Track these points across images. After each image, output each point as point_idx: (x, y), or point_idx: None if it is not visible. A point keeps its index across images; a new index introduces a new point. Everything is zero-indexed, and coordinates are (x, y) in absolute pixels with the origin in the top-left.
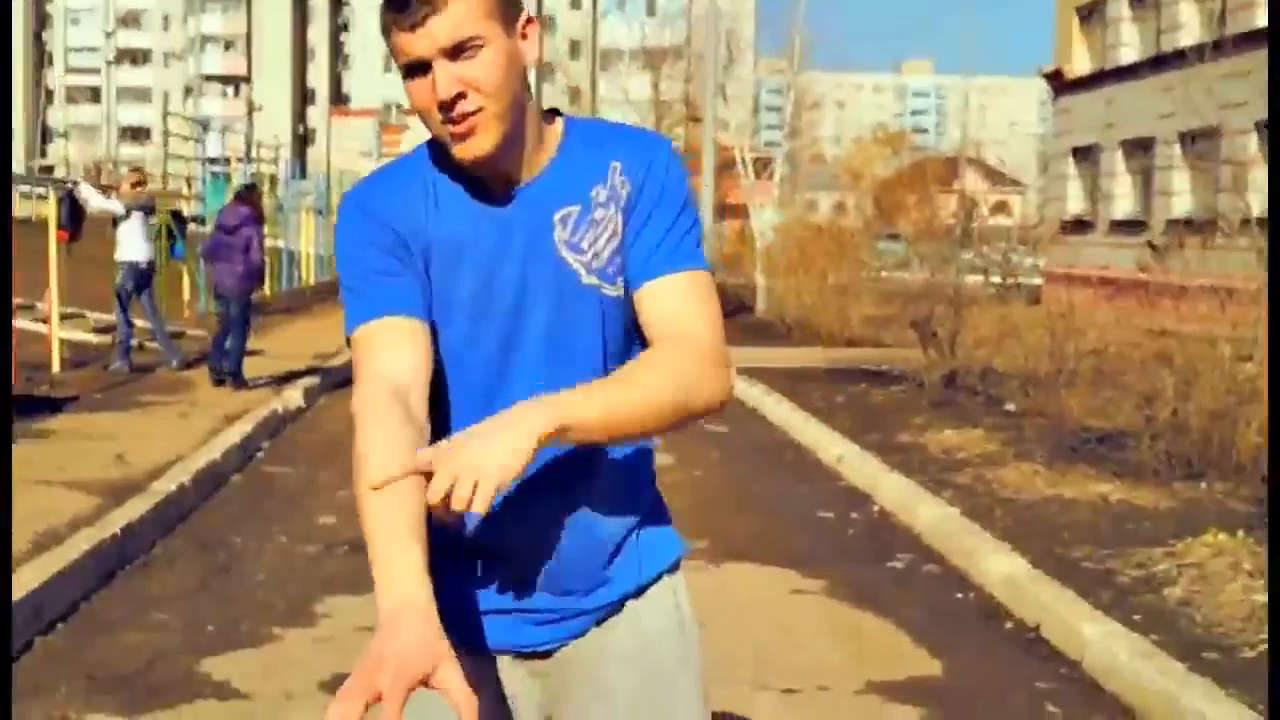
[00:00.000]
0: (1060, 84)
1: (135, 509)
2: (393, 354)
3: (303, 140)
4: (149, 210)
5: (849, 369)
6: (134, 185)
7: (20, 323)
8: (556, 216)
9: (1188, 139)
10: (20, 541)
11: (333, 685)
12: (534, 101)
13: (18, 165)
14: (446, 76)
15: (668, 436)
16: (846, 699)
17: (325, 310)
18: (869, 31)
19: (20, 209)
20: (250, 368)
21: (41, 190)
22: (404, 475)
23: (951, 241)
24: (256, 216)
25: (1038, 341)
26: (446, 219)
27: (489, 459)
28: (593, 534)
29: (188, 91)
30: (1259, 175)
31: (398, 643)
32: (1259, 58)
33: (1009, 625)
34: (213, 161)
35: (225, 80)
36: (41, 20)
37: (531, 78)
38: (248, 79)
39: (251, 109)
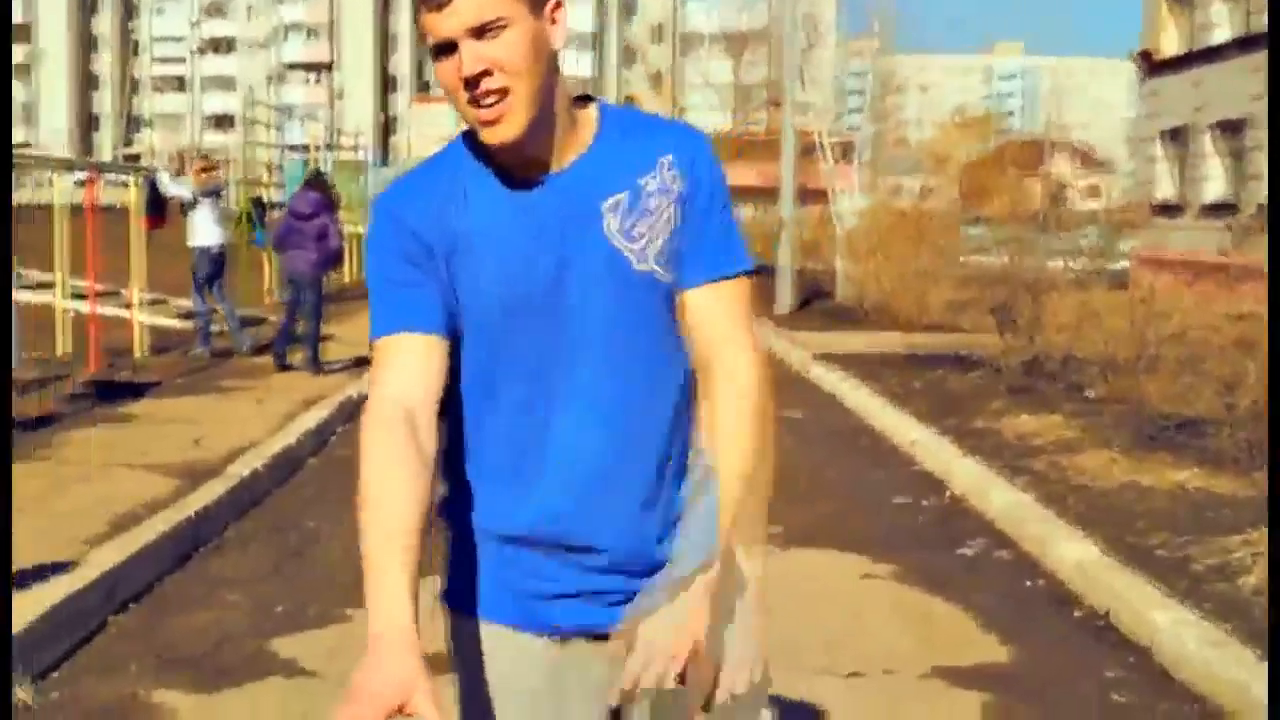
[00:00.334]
0: (1149, 65)
1: (211, 492)
2: (404, 373)
3: (385, 127)
4: (217, 195)
5: (927, 354)
6: (202, 171)
7: (104, 309)
8: (605, 205)
9: None
10: (98, 523)
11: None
12: (564, 86)
13: (105, 154)
14: (471, 55)
15: None
16: (912, 684)
17: None
18: (955, 14)
19: (105, 197)
20: (327, 353)
21: (125, 178)
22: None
23: (1034, 226)
24: (329, 203)
25: (1118, 327)
26: (477, 210)
27: (670, 643)
28: (661, 516)
29: (271, 80)
30: None
31: (376, 674)
32: None
33: (1079, 613)
34: (294, 149)
35: (309, 68)
36: (129, 11)
37: (567, 67)
38: (330, 67)
39: (334, 96)
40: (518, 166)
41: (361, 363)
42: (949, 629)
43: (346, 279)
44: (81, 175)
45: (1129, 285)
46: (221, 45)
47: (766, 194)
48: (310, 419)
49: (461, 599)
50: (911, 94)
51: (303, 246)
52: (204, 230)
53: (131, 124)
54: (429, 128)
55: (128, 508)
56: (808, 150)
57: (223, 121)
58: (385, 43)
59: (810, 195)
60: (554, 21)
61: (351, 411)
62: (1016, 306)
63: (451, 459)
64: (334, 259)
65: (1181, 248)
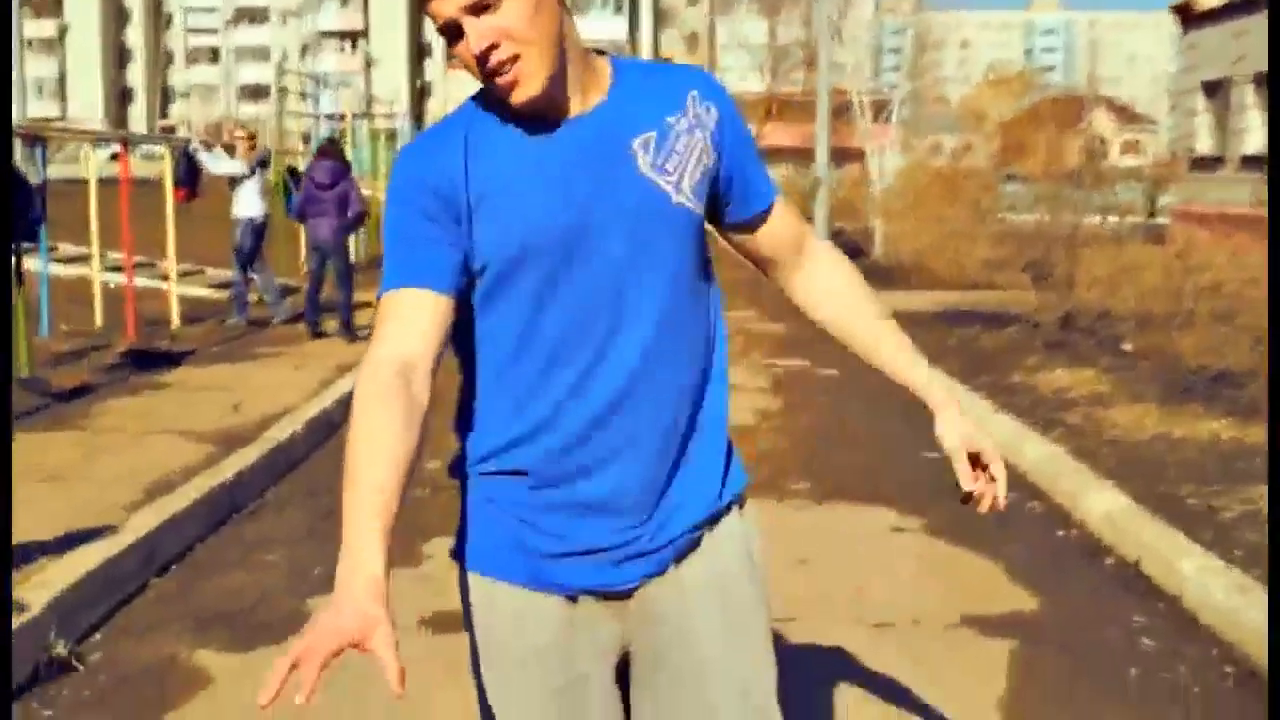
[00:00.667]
0: (1189, 17)
1: (246, 457)
2: (407, 326)
3: (420, 94)
4: (264, 164)
5: (964, 312)
6: (249, 141)
7: (140, 280)
8: (635, 143)
9: None
10: (137, 489)
11: (433, 621)
12: (575, 32)
13: (140, 126)
14: (475, 31)
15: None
16: (939, 632)
17: None
18: None
19: (139, 169)
20: (362, 318)
21: (160, 149)
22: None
23: (1071, 183)
24: (347, 168)
25: (1154, 281)
26: (503, 160)
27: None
28: (675, 463)
29: (304, 49)
30: None
31: (333, 609)
32: None
33: (1109, 562)
34: (329, 118)
35: (342, 36)
36: None
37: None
38: (365, 34)
39: (368, 64)
40: (541, 115)
41: None
42: (978, 580)
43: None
44: (116, 148)
45: (1165, 240)
46: (255, 15)
47: (802, 154)
48: (345, 385)
49: (474, 558)
50: (950, 51)
51: (325, 214)
52: (248, 201)
53: (165, 96)
54: (463, 93)
55: (165, 473)
56: (844, 110)
57: (257, 92)
58: (418, 9)
59: (847, 155)
60: None
61: None
62: (1051, 262)
63: (467, 417)
64: (356, 224)
65: (1221, 201)
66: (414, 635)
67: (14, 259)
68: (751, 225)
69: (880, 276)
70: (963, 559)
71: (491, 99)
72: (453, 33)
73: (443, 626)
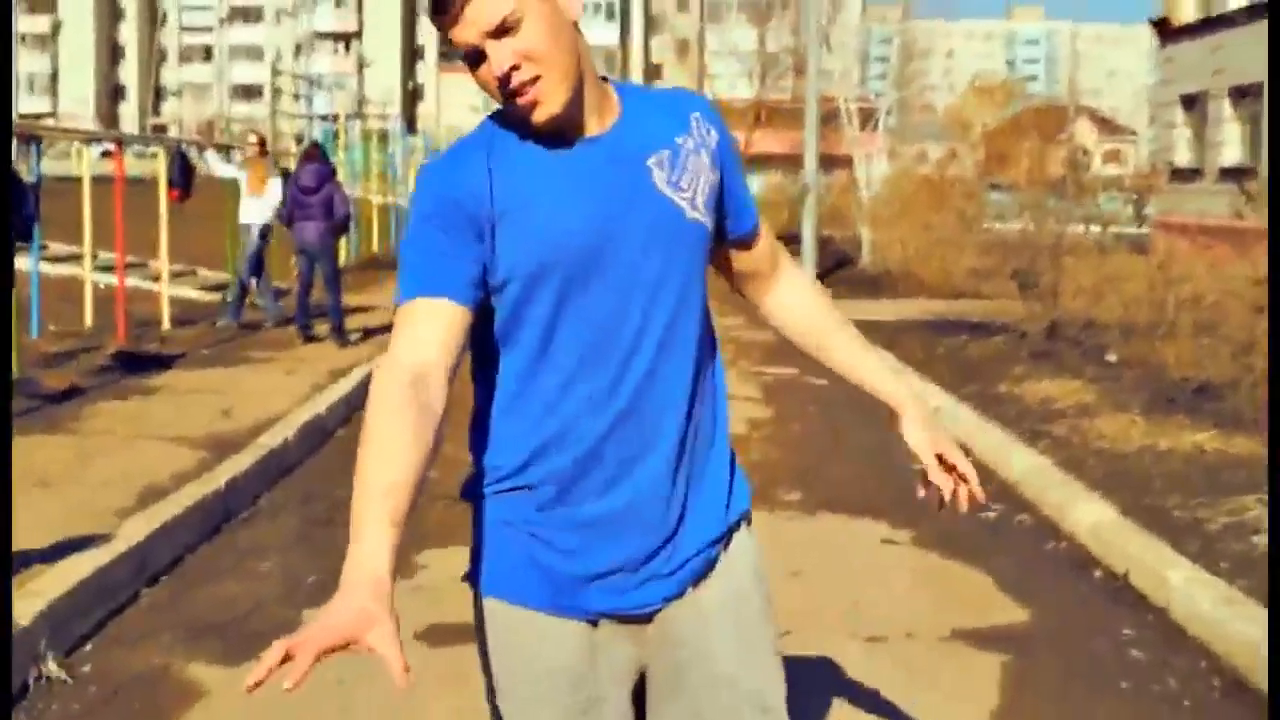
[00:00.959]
0: (1167, 31)
1: (239, 464)
2: (424, 334)
3: (412, 96)
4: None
5: (951, 321)
6: (259, 145)
7: (131, 280)
8: (650, 160)
9: None
10: (128, 495)
11: (429, 634)
12: (590, 55)
13: (131, 123)
14: (497, 54)
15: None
16: (932, 645)
17: None
18: None
19: (132, 168)
20: (355, 323)
21: (151, 149)
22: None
23: (1054, 192)
24: (331, 172)
25: (1137, 291)
26: (526, 175)
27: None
28: (686, 477)
29: (298, 49)
30: None
31: (334, 606)
32: None
33: (1098, 574)
34: (323, 119)
35: (336, 37)
36: None
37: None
38: (358, 35)
39: (361, 65)
40: (560, 133)
41: (389, 330)
42: (969, 592)
43: (376, 248)
44: (108, 146)
45: (1148, 250)
46: (250, 14)
47: (791, 160)
48: (338, 390)
49: (491, 581)
50: (935, 60)
51: (311, 218)
52: (255, 207)
53: (158, 94)
54: (456, 97)
55: (157, 479)
56: (832, 117)
57: (250, 92)
58: (412, 11)
59: (835, 162)
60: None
61: None
62: (1037, 271)
63: (483, 437)
64: (343, 226)
65: (1200, 212)
66: (410, 648)
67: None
68: (743, 241)
69: (867, 284)
70: (954, 571)
71: (511, 118)
72: (474, 58)
73: (438, 639)
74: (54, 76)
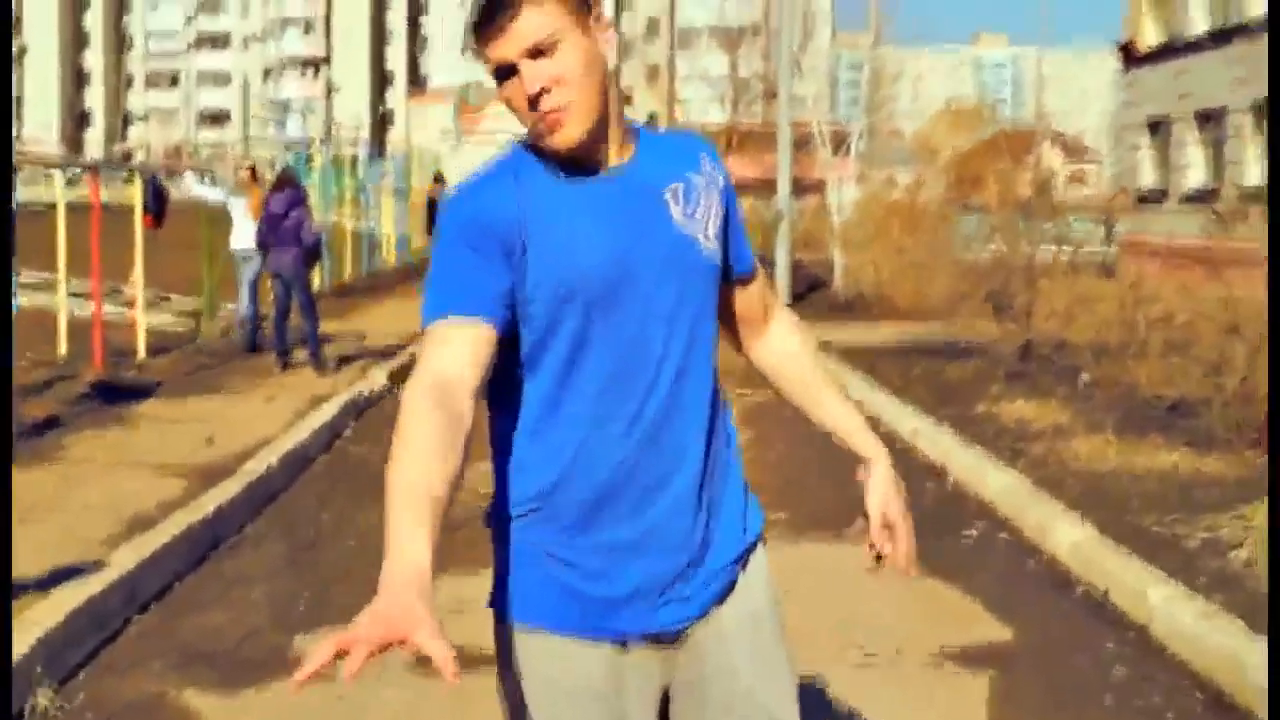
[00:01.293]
0: (1131, 56)
1: (225, 491)
2: (453, 351)
3: (382, 122)
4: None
5: (925, 344)
6: (250, 173)
7: (106, 308)
8: (667, 192)
9: (1259, 109)
10: (116, 525)
11: (421, 663)
12: (620, 98)
13: (98, 150)
14: (531, 74)
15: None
16: (920, 665)
17: (408, 291)
18: (946, 5)
19: (103, 194)
20: (334, 350)
21: (124, 175)
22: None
23: (1024, 215)
24: (302, 198)
25: (1108, 312)
26: (551, 203)
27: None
28: (704, 500)
29: (267, 74)
30: None
31: (381, 605)
32: None
33: (1079, 591)
34: (290, 146)
35: (305, 63)
36: (122, 5)
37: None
38: (327, 60)
39: (330, 91)
40: (582, 165)
41: (371, 360)
42: (954, 611)
43: (349, 274)
44: (74, 172)
45: (1116, 271)
46: (218, 40)
47: (764, 186)
48: (320, 416)
49: (519, 607)
50: (905, 85)
51: (284, 243)
52: (243, 233)
53: (124, 120)
54: (426, 123)
55: (144, 508)
56: (804, 142)
57: (218, 118)
58: (381, 37)
59: (807, 186)
60: (604, 38)
61: (362, 408)
62: (1011, 293)
63: (505, 463)
64: (314, 253)
65: (1166, 234)
66: (403, 679)
67: None
68: (742, 280)
69: (840, 309)
70: (938, 590)
71: (536, 146)
72: (504, 73)
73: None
74: (18, 102)
